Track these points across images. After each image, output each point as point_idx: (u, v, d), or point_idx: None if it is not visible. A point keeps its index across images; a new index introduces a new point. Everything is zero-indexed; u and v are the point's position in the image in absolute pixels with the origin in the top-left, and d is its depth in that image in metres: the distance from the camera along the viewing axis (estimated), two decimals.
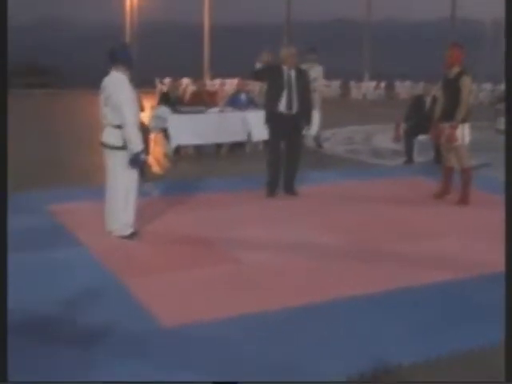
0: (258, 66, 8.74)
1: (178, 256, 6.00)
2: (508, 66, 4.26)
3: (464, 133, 8.01)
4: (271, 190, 8.68)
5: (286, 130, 8.60)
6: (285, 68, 8.54)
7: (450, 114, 8.00)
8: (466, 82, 7.92)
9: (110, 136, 6.33)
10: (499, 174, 10.18)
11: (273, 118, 8.64)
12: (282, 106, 8.51)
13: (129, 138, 6.17)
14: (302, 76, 8.75)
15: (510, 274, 3.70)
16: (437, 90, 11.84)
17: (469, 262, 5.96)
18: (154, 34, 42.52)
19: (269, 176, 8.75)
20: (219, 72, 32.70)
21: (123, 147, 6.24)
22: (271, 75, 8.65)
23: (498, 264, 5.76)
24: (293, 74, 8.56)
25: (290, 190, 8.79)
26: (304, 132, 8.84)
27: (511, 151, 4.16)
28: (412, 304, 4.92)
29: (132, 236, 6.43)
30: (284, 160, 8.82)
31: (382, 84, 32.92)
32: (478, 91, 23.32)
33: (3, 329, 3.27)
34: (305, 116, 8.70)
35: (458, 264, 5.89)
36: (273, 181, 8.71)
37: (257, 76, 9.26)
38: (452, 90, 7.98)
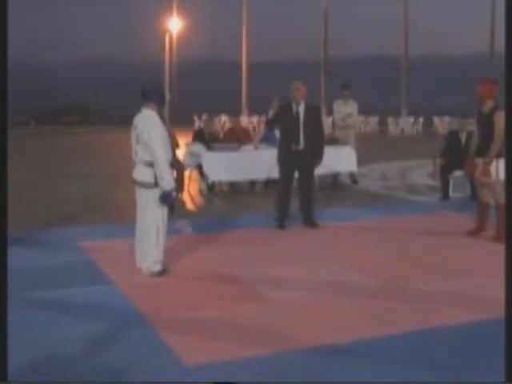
0: (271, 113, 8.89)
1: (205, 294, 5.95)
2: (508, 68, 4.20)
3: (498, 168, 7.87)
4: (280, 224, 8.70)
5: (294, 164, 8.68)
6: (293, 104, 8.60)
7: (484, 150, 7.89)
8: (500, 117, 7.80)
9: (141, 173, 6.37)
10: None
11: (282, 154, 8.72)
12: (290, 142, 8.59)
13: (160, 176, 6.20)
14: (312, 111, 8.80)
15: (509, 274, 3.61)
16: (473, 125, 11.75)
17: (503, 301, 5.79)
18: (194, 72, 43.05)
19: (276, 210, 8.80)
20: (257, 109, 32.94)
21: (154, 184, 6.27)
22: (282, 114, 8.80)
23: None
24: (301, 109, 8.61)
25: (310, 221, 8.78)
26: (315, 166, 8.90)
27: None
28: (442, 345, 4.79)
29: (161, 273, 6.42)
30: (299, 194, 8.88)
31: (420, 119, 32.80)
32: None
33: (3, 329, 3.26)
34: (315, 151, 8.69)
35: (492, 303, 5.73)
36: (281, 214, 8.76)
37: (270, 125, 9.64)
38: (486, 125, 7.88)
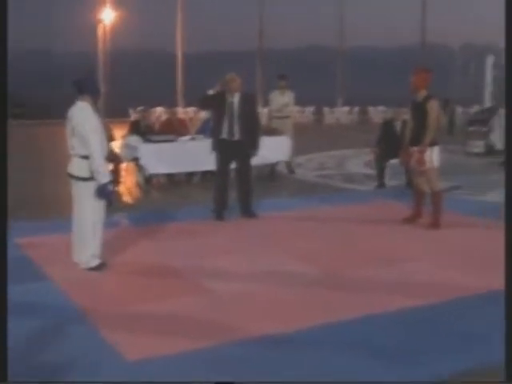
0: (210, 92, 8.74)
1: (145, 288, 5.89)
2: (508, 68, 4.28)
3: (433, 156, 8.02)
4: (218, 215, 8.70)
5: (230, 156, 8.65)
6: (228, 95, 8.55)
7: (418, 138, 8.02)
8: (433, 106, 7.95)
9: (77, 167, 6.24)
10: (470, 196, 10.31)
11: (217, 145, 8.68)
12: (224, 133, 8.53)
13: (96, 169, 6.10)
14: (248, 102, 8.75)
15: (509, 275, 3.68)
16: (408, 115, 11.94)
17: (442, 286, 5.91)
18: (128, 63, 42.52)
19: (215, 201, 8.79)
20: (193, 100, 32.73)
21: (90, 178, 6.16)
22: (215, 103, 8.68)
23: (472, 288, 5.78)
24: (236, 100, 8.57)
25: (248, 212, 8.80)
26: (251, 157, 8.86)
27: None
28: (384, 330, 4.86)
29: (99, 267, 6.32)
30: (237, 185, 8.89)
31: (356, 109, 33.22)
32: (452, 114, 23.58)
33: (3, 329, 3.22)
34: (250, 142, 8.70)
35: (431, 288, 5.84)
36: (219, 205, 8.76)
37: (201, 105, 9.47)
38: (420, 113, 8.01)
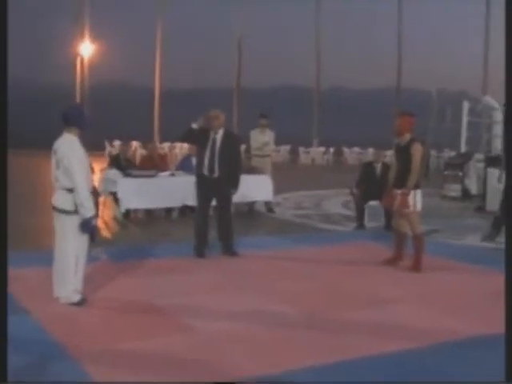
0: (194, 126, 8.65)
1: (126, 325, 5.76)
2: (508, 80, 4.32)
3: (416, 199, 8.06)
4: (199, 252, 8.62)
5: (210, 192, 8.63)
6: (211, 131, 8.55)
7: (402, 181, 8.05)
8: (417, 150, 8.02)
9: (61, 199, 6.15)
10: (448, 240, 10.36)
11: (198, 181, 8.68)
12: (205, 169, 8.52)
13: (80, 203, 6.01)
14: (230, 139, 8.74)
15: (509, 280, 3.68)
16: (388, 157, 12.06)
17: (424, 329, 5.89)
18: (104, 97, 42.52)
19: (195, 237, 8.72)
20: (169, 136, 32.78)
21: (74, 211, 6.07)
22: (198, 138, 8.64)
23: (453, 331, 5.76)
24: (218, 137, 8.57)
25: (229, 250, 8.75)
26: (232, 195, 8.83)
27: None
28: (369, 374, 4.80)
29: (80, 303, 6.20)
30: (217, 222, 8.83)
31: (331, 150, 33.51)
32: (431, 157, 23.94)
33: (3, 329, 3.15)
34: (231, 179, 8.68)
35: (413, 332, 5.81)
36: (199, 242, 8.69)
37: (184, 139, 9.26)
38: (404, 157, 8.06)
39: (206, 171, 8.55)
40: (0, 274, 3.57)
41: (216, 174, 8.54)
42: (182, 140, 9.37)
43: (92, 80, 33.89)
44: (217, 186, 8.58)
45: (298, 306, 6.48)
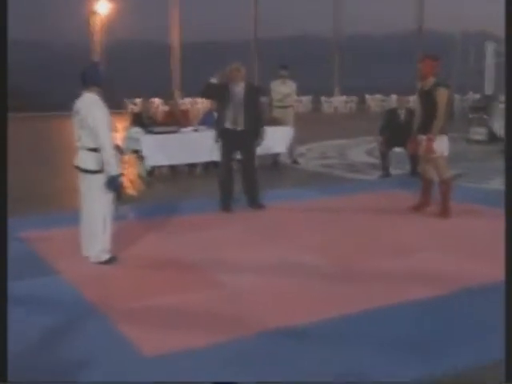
0: (213, 81, 8.58)
1: (157, 282, 5.81)
2: (508, 69, 4.22)
3: (442, 145, 7.95)
4: (225, 206, 8.63)
5: (234, 146, 8.58)
6: (231, 84, 8.46)
7: (427, 126, 7.93)
8: (442, 94, 7.86)
9: (86, 159, 6.15)
10: (475, 184, 10.25)
11: (221, 135, 8.61)
12: (228, 123, 8.44)
13: (107, 161, 6.00)
14: (251, 92, 8.68)
15: (509, 270, 3.64)
16: (411, 103, 11.88)
17: (451, 276, 5.86)
18: (122, 54, 42.28)
19: (220, 192, 8.72)
20: (190, 91, 32.59)
21: (99, 171, 6.07)
22: (218, 93, 8.58)
23: (481, 276, 5.72)
24: (240, 90, 8.49)
25: (255, 203, 8.73)
26: (256, 147, 8.79)
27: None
28: (397, 322, 4.80)
29: (110, 261, 6.25)
30: (242, 176, 8.81)
31: (353, 98, 33.15)
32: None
33: (3, 329, 3.17)
34: (255, 131, 8.65)
35: (443, 279, 5.78)
36: (225, 197, 8.68)
37: (203, 94, 9.23)
38: (428, 101, 7.92)
39: (229, 124, 8.49)
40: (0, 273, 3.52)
41: (240, 127, 8.49)
42: (202, 95, 9.28)
43: (109, 38, 33.65)
44: (241, 138, 8.53)
45: (325, 257, 6.48)
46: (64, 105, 6.36)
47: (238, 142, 8.56)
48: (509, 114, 4.45)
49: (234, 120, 8.48)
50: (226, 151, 8.67)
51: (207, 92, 8.79)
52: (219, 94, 8.60)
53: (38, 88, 36.13)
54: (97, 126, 5.98)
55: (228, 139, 8.57)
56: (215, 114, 12.05)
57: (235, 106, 8.46)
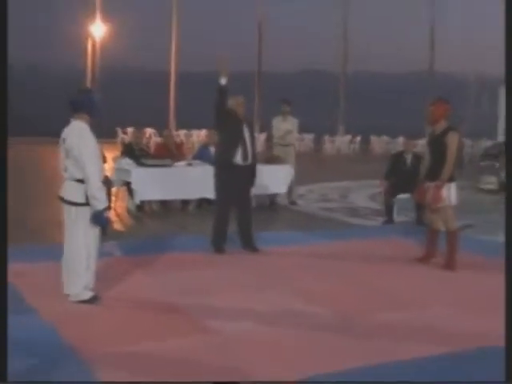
0: (223, 81, 8.42)
1: (141, 325, 5.74)
2: (508, 80, 4.27)
3: (451, 193, 7.95)
4: (218, 247, 8.56)
5: (239, 182, 8.51)
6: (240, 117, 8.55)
7: (435, 173, 7.93)
8: (454, 139, 7.89)
9: (71, 191, 6.13)
10: (484, 236, 10.23)
11: (227, 170, 8.47)
12: (238, 157, 8.42)
13: (92, 194, 5.98)
14: (251, 125, 8.82)
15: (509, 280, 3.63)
16: (419, 147, 11.92)
17: (459, 333, 5.81)
18: (116, 82, 42.57)
19: (214, 231, 8.64)
20: (185, 122, 32.72)
21: (85, 203, 6.05)
22: (228, 121, 8.46)
23: (489, 335, 5.66)
24: (244, 123, 8.54)
25: (250, 245, 8.69)
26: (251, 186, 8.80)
27: None
28: (406, 379, 4.74)
29: (92, 300, 6.19)
30: (237, 216, 8.75)
31: (358, 138, 33.27)
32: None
33: (3, 329, 3.14)
34: (254, 168, 8.72)
35: (448, 336, 5.73)
36: (219, 236, 8.61)
37: (218, 112, 8.45)
38: (438, 146, 7.93)
39: (239, 159, 8.44)
40: (0, 272, 3.55)
41: (249, 161, 8.52)
42: (220, 93, 8.48)
43: (103, 63, 33.85)
44: (247, 174, 8.56)
45: (325, 306, 6.42)
46: (59, 130, 6.34)
47: (244, 177, 8.56)
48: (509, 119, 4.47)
49: (244, 154, 8.48)
50: (228, 189, 8.54)
51: (221, 116, 8.46)
52: (228, 125, 8.49)
53: (33, 112, 36.27)
54: (82, 158, 5.95)
55: (234, 175, 8.44)
56: (211, 149, 12.04)
57: (244, 140, 8.48)
